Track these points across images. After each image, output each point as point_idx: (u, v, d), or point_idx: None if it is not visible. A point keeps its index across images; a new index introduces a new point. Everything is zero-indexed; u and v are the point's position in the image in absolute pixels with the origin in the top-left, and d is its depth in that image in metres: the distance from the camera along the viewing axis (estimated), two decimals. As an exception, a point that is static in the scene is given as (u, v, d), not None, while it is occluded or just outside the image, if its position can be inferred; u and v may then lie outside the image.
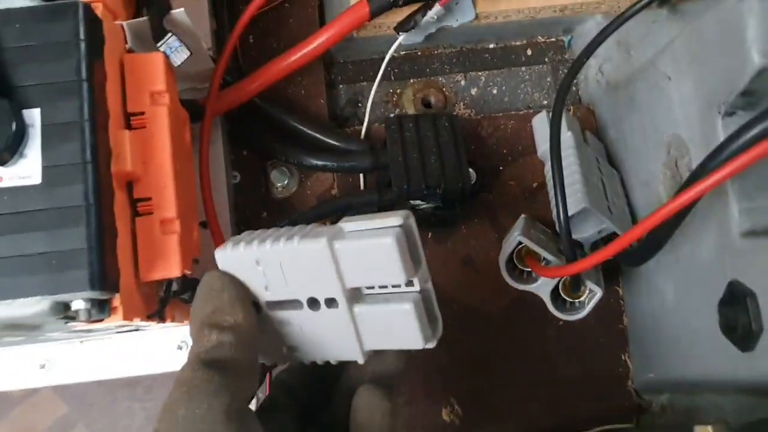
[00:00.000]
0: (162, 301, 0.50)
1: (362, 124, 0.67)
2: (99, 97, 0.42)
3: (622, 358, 0.63)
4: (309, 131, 0.63)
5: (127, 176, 0.45)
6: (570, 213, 0.53)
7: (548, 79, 0.71)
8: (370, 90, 0.68)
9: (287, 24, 0.67)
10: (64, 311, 0.41)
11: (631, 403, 0.63)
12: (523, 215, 0.61)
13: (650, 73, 0.55)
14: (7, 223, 0.40)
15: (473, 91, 0.71)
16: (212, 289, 0.39)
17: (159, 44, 0.49)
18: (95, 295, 0.40)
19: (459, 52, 0.71)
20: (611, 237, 0.56)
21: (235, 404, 0.33)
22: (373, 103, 0.66)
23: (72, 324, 0.43)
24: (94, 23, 0.43)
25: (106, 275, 0.40)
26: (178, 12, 0.50)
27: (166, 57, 0.48)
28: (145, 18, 0.49)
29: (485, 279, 0.64)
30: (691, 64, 0.48)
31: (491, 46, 0.71)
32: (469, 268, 0.64)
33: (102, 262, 0.40)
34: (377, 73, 0.66)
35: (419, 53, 0.71)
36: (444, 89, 0.71)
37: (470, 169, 0.64)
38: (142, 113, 0.47)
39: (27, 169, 0.40)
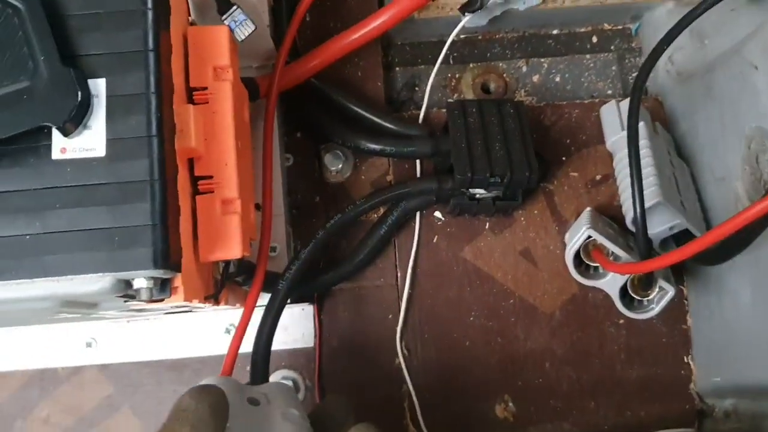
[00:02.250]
0: (219, 283, 0.48)
1: (419, 108, 0.65)
2: (165, 69, 0.41)
3: (685, 360, 0.61)
4: (367, 114, 0.61)
5: (190, 153, 0.43)
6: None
7: (613, 67, 0.69)
8: (428, 73, 0.66)
9: (346, 3, 0.65)
10: (125, 289, 0.39)
11: (692, 407, 0.60)
12: (588, 208, 0.59)
13: (733, 61, 0.52)
14: (70, 197, 0.38)
15: (535, 78, 0.68)
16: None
17: (224, 17, 0.47)
18: (158, 273, 0.39)
19: (521, 37, 0.69)
20: (683, 234, 0.54)
21: None
22: (431, 87, 0.64)
23: (131, 303, 0.42)
24: (161, -4, 0.41)
25: (170, 254, 0.39)
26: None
27: (231, 31, 0.46)
28: (209, -10, 0.47)
29: (545, 273, 0.61)
30: (784, 53, 0.45)
31: (555, 32, 0.69)
32: (528, 261, 0.62)
33: (166, 240, 0.38)
34: (436, 57, 0.64)
35: (480, 37, 0.69)
36: (504, 75, 0.68)
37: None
38: (205, 88, 0.45)
39: (91, 141, 0.39)
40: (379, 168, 0.64)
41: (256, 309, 0.52)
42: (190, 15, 0.47)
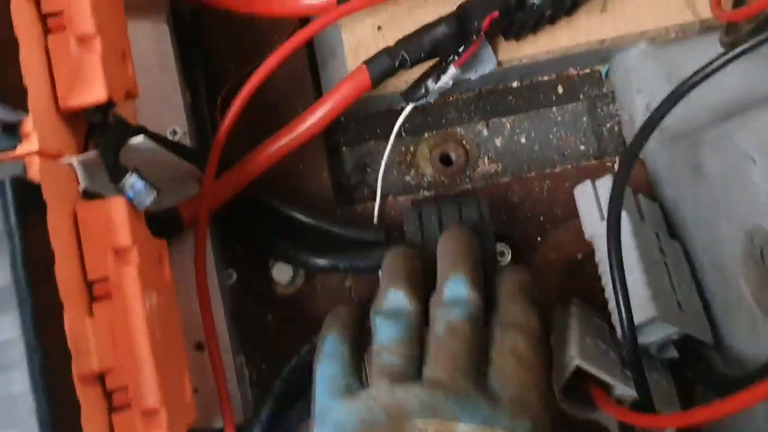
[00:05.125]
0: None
1: (372, 190, 0.58)
2: (43, 301, 0.33)
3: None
4: (312, 222, 0.54)
5: (95, 374, 0.36)
6: (635, 322, 0.44)
7: (584, 118, 0.61)
8: (378, 149, 0.59)
9: (272, 84, 0.56)
10: None
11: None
12: (574, 309, 0.51)
13: (725, 145, 0.45)
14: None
15: (498, 142, 0.61)
16: None
17: (118, 186, 0.39)
18: None
19: (478, 95, 0.61)
20: (684, 340, 0.47)
21: None
22: (384, 169, 0.56)
23: None
24: (29, 196, 0.34)
25: None
26: (137, 140, 0.40)
27: (129, 202, 0.39)
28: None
29: (531, 374, 0.55)
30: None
31: (515, 84, 0.61)
32: (511, 362, 0.55)
33: None
34: (385, 130, 0.58)
35: (432, 102, 0.61)
36: (464, 141, 0.61)
37: (504, 249, 0.55)
38: (106, 278, 0.38)
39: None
40: (335, 275, 0.56)
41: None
42: (79, 183, 0.39)
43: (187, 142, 0.53)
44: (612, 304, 0.47)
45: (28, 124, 0.35)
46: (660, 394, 0.46)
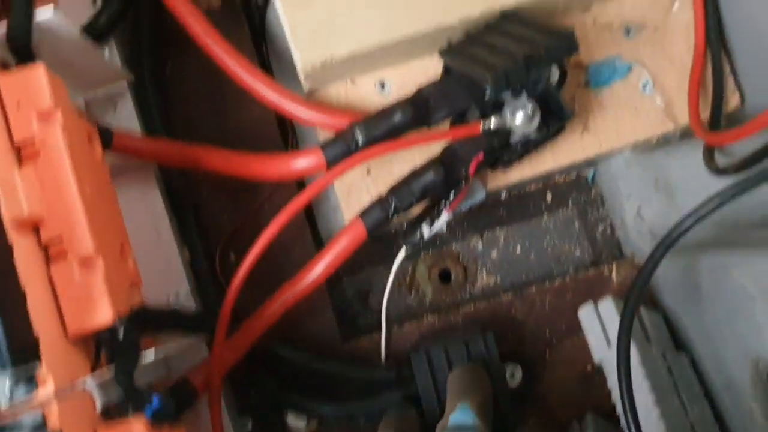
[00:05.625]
0: None
1: (374, 314, 0.59)
2: None
3: None
4: (323, 368, 0.54)
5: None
6: (653, 457, 0.45)
7: (575, 223, 0.62)
8: (377, 274, 0.60)
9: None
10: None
11: None
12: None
13: (723, 278, 0.46)
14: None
15: (493, 254, 0.62)
16: None
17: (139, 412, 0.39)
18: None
19: (468, 212, 0.61)
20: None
21: None
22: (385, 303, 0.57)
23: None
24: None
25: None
26: (149, 358, 0.40)
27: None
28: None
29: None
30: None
31: (503, 197, 0.62)
32: (532, 482, 0.56)
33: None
34: (381, 254, 0.59)
35: (425, 228, 0.61)
36: (460, 257, 0.62)
37: (514, 368, 0.55)
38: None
39: None
40: (349, 412, 0.57)
41: None
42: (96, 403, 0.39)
43: (190, 302, 0.54)
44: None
45: (43, 371, 0.36)
46: None
